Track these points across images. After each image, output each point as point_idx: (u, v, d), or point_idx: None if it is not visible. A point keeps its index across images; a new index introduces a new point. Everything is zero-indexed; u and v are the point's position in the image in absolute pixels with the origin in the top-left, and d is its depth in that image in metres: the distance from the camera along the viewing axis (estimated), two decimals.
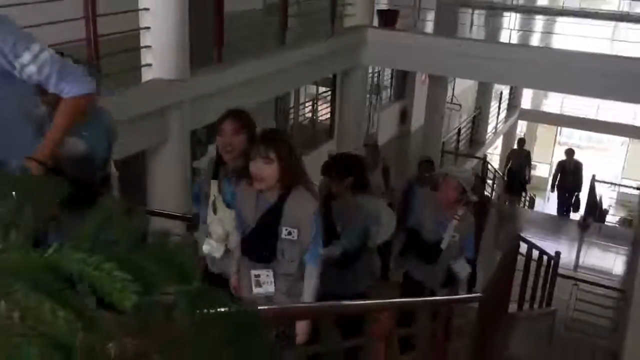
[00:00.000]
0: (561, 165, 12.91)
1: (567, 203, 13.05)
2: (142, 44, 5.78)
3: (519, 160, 12.92)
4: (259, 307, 2.61)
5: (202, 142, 8.38)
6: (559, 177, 12.90)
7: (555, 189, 13.14)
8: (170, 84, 5.82)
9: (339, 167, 4.23)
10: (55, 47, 4.79)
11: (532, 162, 13.10)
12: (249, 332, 0.77)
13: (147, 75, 5.80)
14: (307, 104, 12.27)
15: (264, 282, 2.98)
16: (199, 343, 0.73)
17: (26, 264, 0.41)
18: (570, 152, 12.97)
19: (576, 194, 12.78)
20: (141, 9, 5.73)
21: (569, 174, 12.58)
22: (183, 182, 6.07)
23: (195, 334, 0.73)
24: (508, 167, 13.36)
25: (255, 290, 2.97)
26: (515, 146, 14.08)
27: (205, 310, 0.76)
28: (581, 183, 12.73)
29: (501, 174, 13.77)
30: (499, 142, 20.31)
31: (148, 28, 5.73)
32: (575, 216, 13.10)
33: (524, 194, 13.34)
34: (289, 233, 2.94)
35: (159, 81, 5.78)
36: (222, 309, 0.78)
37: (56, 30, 4.69)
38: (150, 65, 5.78)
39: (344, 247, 4.01)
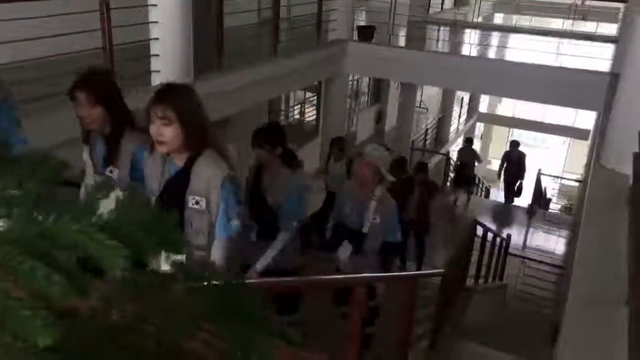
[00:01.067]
0: (506, 156, 12.47)
1: (512, 190, 12.73)
2: (151, 53, 5.70)
3: (466, 157, 12.38)
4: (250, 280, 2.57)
5: None
6: (504, 166, 12.49)
7: (502, 177, 12.79)
8: None
9: (268, 135, 3.60)
10: (77, 53, 4.75)
11: (479, 158, 12.53)
12: (246, 301, 0.74)
13: (155, 80, 5.73)
14: (296, 107, 12.24)
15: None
16: (195, 309, 0.70)
17: (25, 233, 0.39)
18: (514, 144, 12.54)
19: (519, 181, 12.36)
20: (151, 22, 5.66)
21: (513, 163, 12.14)
22: None
23: (191, 300, 0.70)
24: (457, 163, 13.01)
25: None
26: (463, 144, 13.59)
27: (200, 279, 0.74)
28: (524, 172, 12.30)
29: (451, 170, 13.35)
30: (460, 140, 20.39)
31: (157, 39, 5.66)
32: (519, 202, 12.88)
33: (471, 186, 12.60)
34: (196, 202, 2.34)
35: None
36: (216, 281, 0.75)
37: (77, 39, 4.64)
38: (158, 71, 5.71)
39: (290, 230, 3.52)
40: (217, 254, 2.39)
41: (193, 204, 2.36)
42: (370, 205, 3.85)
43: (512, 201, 12.78)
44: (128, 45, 5.39)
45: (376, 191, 3.87)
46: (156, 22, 5.63)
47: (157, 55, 5.68)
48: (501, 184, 13.49)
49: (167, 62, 5.70)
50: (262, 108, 9.86)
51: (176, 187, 2.38)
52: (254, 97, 7.51)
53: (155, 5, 5.59)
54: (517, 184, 12.28)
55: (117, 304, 0.63)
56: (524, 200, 13.19)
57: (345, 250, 3.90)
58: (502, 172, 12.57)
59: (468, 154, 12.33)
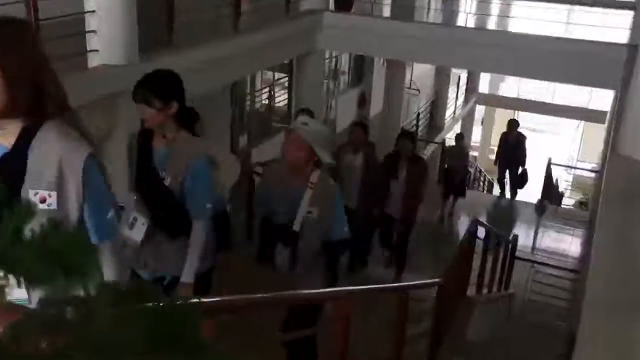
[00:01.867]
0: (503, 138, 12.23)
1: (510, 178, 12.50)
2: (87, 29, 5.60)
3: (455, 159, 11.49)
4: (210, 299, 2.53)
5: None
6: (501, 154, 12.33)
7: (498, 164, 12.60)
8: (119, 69, 5.67)
9: (156, 85, 3.13)
10: None
11: (469, 161, 11.86)
12: (180, 327, 0.72)
13: (93, 61, 5.63)
14: (263, 91, 12.19)
15: None
16: (122, 339, 0.68)
17: None
18: (512, 124, 12.29)
19: (521, 168, 12.13)
20: None
21: (510, 147, 11.93)
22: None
23: (117, 330, 0.68)
24: (445, 167, 11.99)
25: None
26: (453, 142, 12.43)
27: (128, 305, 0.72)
28: (525, 157, 12.07)
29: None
30: (457, 127, 20.55)
31: (93, 12, 5.57)
32: (523, 193, 12.89)
33: (464, 196, 11.64)
34: (42, 200, 1.75)
35: (106, 67, 5.62)
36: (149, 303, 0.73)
37: None
38: (96, 50, 5.62)
39: (205, 216, 3.13)
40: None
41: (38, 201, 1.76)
42: (305, 195, 3.47)
43: (512, 193, 12.69)
44: (58, 19, 5.29)
45: (312, 177, 3.50)
46: None
47: (94, 31, 5.59)
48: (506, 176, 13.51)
49: (106, 40, 5.60)
50: (223, 93, 9.79)
51: (9, 177, 1.74)
52: (212, 81, 7.44)
53: None
54: (519, 171, 12.15)
55: (26, 339, 0.61)
56: (529, 192, 13.32)
57: (281, 255, 3.54)
58: (499, 159, 12.47)
59: (458, 155, 11.54)
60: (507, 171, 12.43)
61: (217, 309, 2.56)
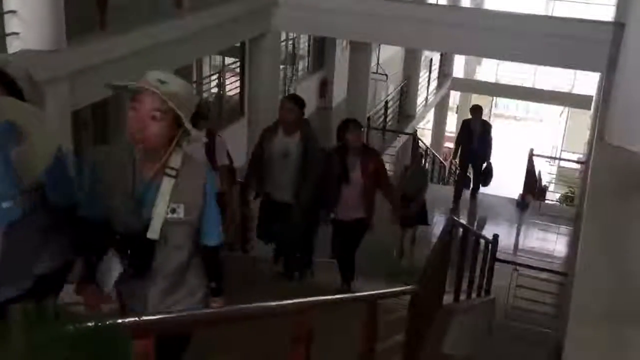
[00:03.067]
0: (466, 126, 11.56)
1: (473, 174, 12.05)
2: (5, 9, 5.48)
3: (415, 183, 9.81)
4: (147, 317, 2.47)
5: (88, 124, 8.10)
6: (462, 143, 11.69)
7: (460, 153, 11.87)
8: (43, 56, 5.56)
9: None
10: None
11: (425, 185, 10.03)
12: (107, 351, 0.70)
13: (12, 45, 5.51)
14: (212, 78, 12.11)
15: None
16: None
17: None
18: (476, 110, 11.67)
19: (486, 162, 11.64)
20: None
21: (475, 136, 11.34)
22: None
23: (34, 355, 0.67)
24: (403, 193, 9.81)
25: None
26: (412, 161, 11.13)
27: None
28: (491, 149, 11.65)
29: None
30: (430, 115, 20.74)
31: None
32: (488, 191, 12.79)
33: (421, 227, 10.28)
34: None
35: (28, 53, 5.51)
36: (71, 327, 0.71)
37: None
38: (17, 33, 5.50)
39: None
40: None
41: None
42: (162, 186, 2.72)
43: (473, 191, 12.43)
44: None
45: (172, 161, 2.73)
46: None
47: (14, 11, 5.47)
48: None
49: (28, 22, 5.50)
50: None
51: None
52: (153, 67, 7.32)
53: None
54: (484, 166, 11.72)
55: None
56: (510, 186, 13.47)
57: (107, 272, 2.77)
58: (459, 150, 11.83)
59: (419, 178, 9.95)
60: (470, 165, 12.02)
61: (161, 328, 2.49)
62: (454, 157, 12.40)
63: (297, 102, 6.02)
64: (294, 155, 5.82)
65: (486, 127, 11.66)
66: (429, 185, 10.48)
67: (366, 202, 6.30)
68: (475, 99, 24.66)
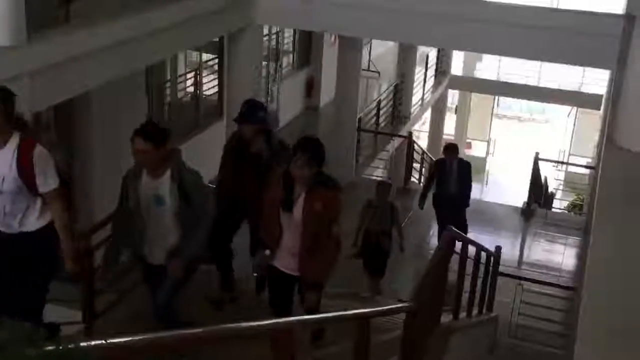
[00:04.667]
0: (440, 167, 10.42)
1: (449, 220, 9.36)
2: None
3: (380, 220, 9.02)
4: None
5: (49, 127, 8.06)
6: (435, 182, 10.40)
7: (432, 199, 10.51)
8: (1, 52, 5.54)
9: None
10: None
11: (398, 221, 9.21)
12: None
13: None
14: (188, 76, 12.09)
15: None
16: None
17: None
18: (451, 150, 10.44)
19: (462, 208, 10.31)
20: None
21: (451, 179, 10.13)
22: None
23: None
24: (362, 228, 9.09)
25: None
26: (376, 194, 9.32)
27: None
28: (469, 191, 10.40)
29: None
30: (426, 116, 20.79)
31: None
32: (489, 199, 12.70)
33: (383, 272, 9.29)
34: None
35: None
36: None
37: None
38: None
39: None
40: None
41: None
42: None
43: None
44: None
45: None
46: None
47: None
48: (485, 176, 13.52)
49: None
50: (137, 80, 9.66)
51: None
52: (121, 65, 7.34)
53: None
54: (459, 212, 10.33)
55: None
56: (514, 194, 13.43)
57: None
58: (432, 193, 10.56)
59: (384, 213, 9.11)
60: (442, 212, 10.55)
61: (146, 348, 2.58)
62: (421, 204, 10.66)
63: (150, 137, 4.57)
64: (168, 202, 4.72)
65: (464, 169, 10.38)
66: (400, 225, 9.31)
67: (304, 251, 4.86)
68: (476, 98, 24.80)
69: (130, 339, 2.71)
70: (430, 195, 10.53)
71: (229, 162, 6.23)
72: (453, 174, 10.13)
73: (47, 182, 4.09)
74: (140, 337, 2.82)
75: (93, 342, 2.49)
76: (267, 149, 5.88)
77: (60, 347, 0.63)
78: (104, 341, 2.73)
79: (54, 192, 4.16)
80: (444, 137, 22.53)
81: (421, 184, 13.03)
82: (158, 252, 4.76)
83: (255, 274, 5.95)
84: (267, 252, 5.05)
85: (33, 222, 4.16)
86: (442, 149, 11.17)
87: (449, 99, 23.42)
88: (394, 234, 9.12)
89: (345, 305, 5.34)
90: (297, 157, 4.71)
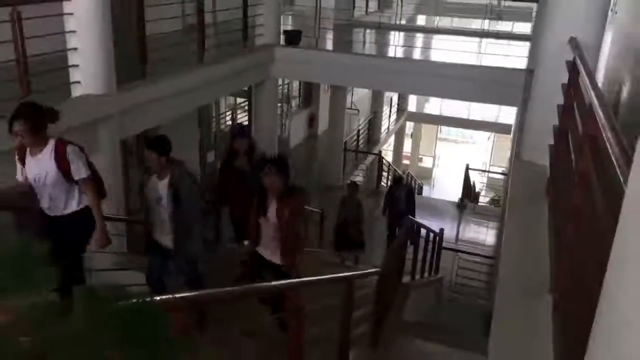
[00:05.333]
0: (391, 194, 9.91)
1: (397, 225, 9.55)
2: (70, 63, 5.46)
3: (350, 212, 8.90)
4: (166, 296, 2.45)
5: (132, 151, 8.07)
6: (388, 206, 9.88)
7: (387, 214, 10.00)
8: (99, 98, 5.54)
9: None
10: None
11: (362, 214, 8.99)
12: (147, 326, 0.69)
13: (76, 91, 5.49)
14: (227, 113, 12.09)
15: None
16: (94, 339, 0.65)
17: None
18: (398, 181, 10.29)
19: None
20: (68, 32, 5.41)
21: (400, 202, 9.65)
22: (116, 188, 5.80)
23: (91, 329, 0.66)
24: (339, 221, 9.03)
25: None
26: (346, 192, 9.24)
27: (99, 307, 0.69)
28: (414, 208, 9.72)
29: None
30: (391, 139, 20.81)
31: (75, 49, 5.42)
32: (434, 196, 12.86)
33: (359, 250, 8.98)
34: None
35: (87, 97, 5.49)
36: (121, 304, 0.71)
37: None
38: (78, 82, 5.48)
39: None
40: None
41: None
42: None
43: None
44: (44, 56, 5.13)
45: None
46: (74, 31, 5.39)
47: (77, 65, 5.45)
48: (432, 181, 13.60)
49: (87, 73, 5.47)
50: (192, 116, 9.67)
51: None
52: (182, 106, 7.35)
53: (72, 14, 5.36)
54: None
55: (12, 337, 0.58)
56: (452, 192, 13.47)
57: None
58: (387, 214, 10.02)
59: (353, 208, 8.93)
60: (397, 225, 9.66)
61: (184, 305, 2.50)
62: (383, 213, 10.24)
63: (155, 147, 4.25)
64: (165, 200, 4.30)
65: (409, 194, 10.04)
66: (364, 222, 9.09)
67: (283, 247, 4.35)
68: (425, 127, 24.80)
69: (195, 294, 2.64)
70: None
71: (223, 171, 5.76)
72: (401, 198, 9.64)
73: (79, 171, 3.77)
74: (202, 293, 2.74)
75: (162, 297, 2.41)
76: (248, 164, 5.44)
77: (135, 301, 0.62)
78: (171, 296, 2.66)
79: (86, 179, 3.82)
80: (404, 153, 22.55)
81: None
82: (163, 239, 4.35)
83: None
84: (246, 242, 4.65)
85: (74, 206, 3.88)
86: (392, 181, 10.32)
87: (407, 128, 23.41)
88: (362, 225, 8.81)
89: (332, 272, 5.27)
90: (268, 171, 4.26)
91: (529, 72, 7.08)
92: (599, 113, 2.15)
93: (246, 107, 12.53)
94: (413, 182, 18.27)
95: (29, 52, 4.87)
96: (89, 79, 5.50)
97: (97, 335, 0.65)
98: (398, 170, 17.24)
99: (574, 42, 3.88)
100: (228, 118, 12.15)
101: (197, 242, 4.35)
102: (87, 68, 5.47)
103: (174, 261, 4.31)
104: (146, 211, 4.51)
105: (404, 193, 9.79)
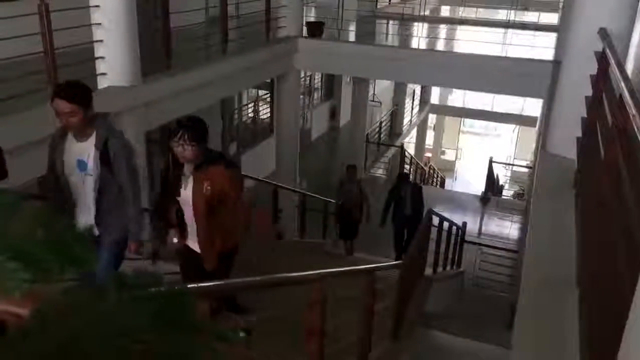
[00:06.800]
0: (395, 193, 8.36)
1: (402, 237, 8.48)
2: (96, 55, 5.54)
3: (350, 193, 8.26)
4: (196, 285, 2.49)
5: (156, 141, 8.16)
6: (392, 207, 8.32)
7: (391, 219, 8.43)
8: (124, 90, 5.62)
9: None
10: (16, 59, 4.58)
11: (367, 197, 8.27)
12: (178, 312, 0.71)
13: (102, 83, 5.57)
14: (249, 106, 12.15)
15: None
16: (129, 322, 0.67)
17: None
18: (402, 178, 8.80)
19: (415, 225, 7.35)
20: (94, 24, 5.49)
21: (407, 202, 8.26)
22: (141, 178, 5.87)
23: (124, 313, 0.67)
24: (339, 202, 8.39)
25: None
26: (346, 174, 8.57)
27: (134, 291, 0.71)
28: (422, 210, 8.10)
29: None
30: (413, 132, 20.69)
31: (101, 41, 5.50)
32: (457, 189, 12.71)
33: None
34: None
35: (113, 88, 5.57)
36: (151, 289, 0.72)
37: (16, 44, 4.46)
38: (105, 74, 5.56)
39: None
40: None
41: None
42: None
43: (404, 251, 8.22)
44: (71, 48, 5.21)
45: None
46: (99, 23, 5.47)
47: (103, 57, 5.52)
48: (455, 174, 13.45)
49: (113, 65, 5.55)
50: (214, 108, 9.74)
51: None
52: (205, 98, 7.40)
53: (98, 6, 5.43)
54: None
55: (48, 322, 0.60)
56: (475, 186, 13.34)
57: None
58: (391, 216, 8.43)
59: (352, 190, 8.29)
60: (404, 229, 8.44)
61: (208, 293, 2.54)
62: (382, 223, 8.36)
63: (74, 98, 3.06)
64: (90, 167, 3.20)
65: (416, 190, 8.50)
66: (368, 202, 8.30)
67: (203, 234, 3.46)
68: (448, 120, 24.59)
69: (215, 283, 2.69)
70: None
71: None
72: (408, 197, 8.21)
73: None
74: (224, 283, 2.78)
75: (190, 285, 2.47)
76: None
77: (166, 288, 0.63)
78: (195, 285, 2.71)
79: None
80: (426, 146, 22.41)
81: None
82: (85, 219, 3.21)
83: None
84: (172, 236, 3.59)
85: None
86: (396, 177, 9.08)
87: (429, 120, 23.24)
88: (364, 207, 8.24)
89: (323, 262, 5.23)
90: (176, 135, 3.25)
91: (556, 63, 6.98)
92: (630, 104, 2.11)
93: (268, 100, 12.59)
94: (435, 174, 18.18)
95: (56, 44, 4.95)
96: (114, 71, 5.57)
97: (129, 321, 0.67)
98: (420, 163, 17.18)
99: (603, 33, 3.81)
100: (250, 110, 12.21)
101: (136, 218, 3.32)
102: (112, 60, 5.54)
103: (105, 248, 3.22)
104: (55, 186, 3.30)
105: (409, 192, 8.26)
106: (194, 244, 3.53)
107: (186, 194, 3.40)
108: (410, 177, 10.33)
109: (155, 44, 6.77)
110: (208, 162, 3.36)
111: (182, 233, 3.54)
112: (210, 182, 3.33)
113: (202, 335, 0.67)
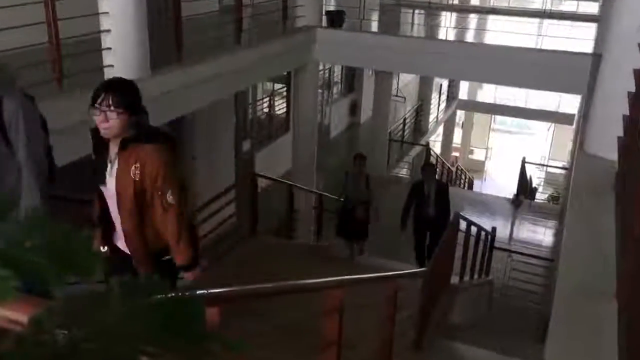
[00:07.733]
0: (418, 189, 7.79)
1: (423, 243, 8.02)
2: (103, 46, 5.59)
3: (356, 187, 7.75)
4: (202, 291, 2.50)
5: None
6: (414, 204, 7.78)
7: (412, 221, 7.87)
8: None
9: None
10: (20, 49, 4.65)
11: (373, 194, 7.84)
12: (186, 320, 0.72)
13: (109, 75, 5.61)
14: (264, 100, 12.19)
15: None
16: (134, 330, 0.68)
17: None
18: (428, 168, 8.24)
19: (437, 232, 7.13)
20: (101, 13, 5.54)
21: (430, 201, 7.71)
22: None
23: (128, 322, 0.68)
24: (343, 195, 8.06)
25: None
26: (355, 163, 7.96)
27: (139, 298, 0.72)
28: (449, 212, 7.57)
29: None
30: (440, 130, 20.59)
31: (108, 31, 5.55)
32: (486, 191, 12.47)
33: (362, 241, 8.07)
34: None
35: None
36: (158, 296, 0.73)
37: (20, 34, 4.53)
38: (112, 66, 5.60)
39: None
40: None
41: None
42: None
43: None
44: (77, 38, 5.27)
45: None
46: (107, 12, 5.52)
47: (110, 48, 5.58)
48: (484, 174, 13.32)
49: (121, 56, 5.59)
50: (227, 103, 9.79)
51: None
52: (218, 91, 7.43)
53: None
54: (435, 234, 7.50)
55: (48, 329, 0.60)
56: (506, 188, 13.24)
57: None
58: (409, 216, 7.86)
59: (359, 184, 7.77)
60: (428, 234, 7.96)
61: (220, 299, 2.56)
62: (403, 227, 7.82)
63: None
64: None
65: (442, 189, 7.96)
66: (376, 201, 7.93)
67: (126, 230, 2.83)
68: (478, 117, 24.41)
69: (226, 290, 2.70)
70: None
71: None
72: (432, 195, 7.69)
73: None
74: (235, 289, 2.79)
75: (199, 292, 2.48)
76: None
77: (173, 294, 0.63)
78: (205, 291, 2.72)
79: None
80: (453, 145, 22.29)
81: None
82: None
83: None
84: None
85: None
86: (421, 168, 8.50)
87: (457, 117, 23.10)
88: (371, 207, 7.73)
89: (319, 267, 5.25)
90: (97, 99, 2.68)
91: (596, 56, 6.89)
92: None
93: (284, 94, 12.62)
94: (463, 175, 18.06)
95: (62, 34, 5.02)
96: (122, 62, 5.61)
97: (134, 328, 0.67)
98: (446, 162, 17.09)
99: None
100: (265, 105, 12.25)
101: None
102: (120, 51, 5.58)
103: None
104: None
105: (434, 190, 7.69)
106: (122, 243, 2.88)
107: (111, 181, 2.74)
108: (437, 170, 9.84)
109: (166, 35, 6.82)
110: (139, 139, 2.71)
111: (106, 233, 2.90)
112: (140, 165, 2.67)
113: (209, 343, 0.67)
